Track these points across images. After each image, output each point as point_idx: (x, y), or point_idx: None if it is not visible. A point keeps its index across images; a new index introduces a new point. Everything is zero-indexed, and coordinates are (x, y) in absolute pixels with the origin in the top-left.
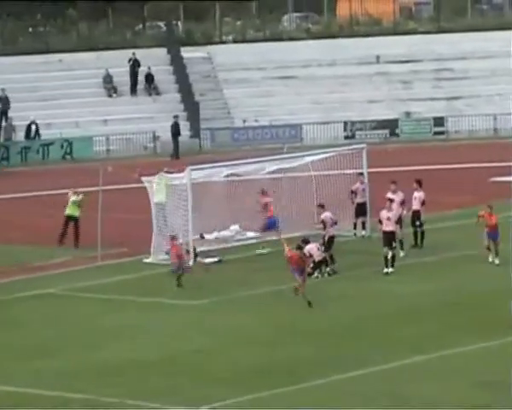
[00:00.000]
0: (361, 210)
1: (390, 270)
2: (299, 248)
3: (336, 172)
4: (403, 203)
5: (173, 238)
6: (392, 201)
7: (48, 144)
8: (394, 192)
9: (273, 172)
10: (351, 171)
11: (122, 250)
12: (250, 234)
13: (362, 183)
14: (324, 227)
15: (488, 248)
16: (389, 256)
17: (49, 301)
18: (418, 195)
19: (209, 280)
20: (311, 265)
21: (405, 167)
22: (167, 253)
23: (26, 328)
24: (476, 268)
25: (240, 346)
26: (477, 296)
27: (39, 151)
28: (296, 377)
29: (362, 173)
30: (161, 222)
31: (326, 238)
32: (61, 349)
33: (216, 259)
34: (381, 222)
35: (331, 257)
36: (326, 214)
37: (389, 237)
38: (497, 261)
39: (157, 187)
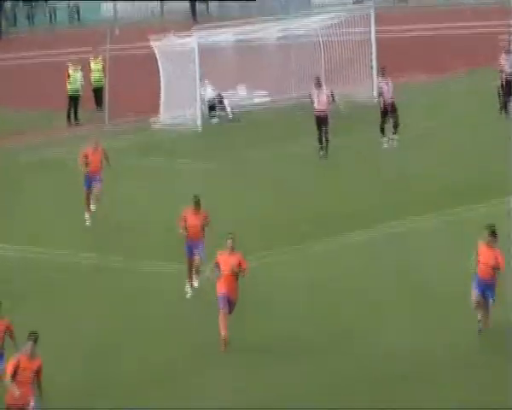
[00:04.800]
0: None
1: None
2: None
3: (343, 37)
4: None
5: None
6: None
7: (55, 7)
8: None
9: (281, 38)
10: (360, 30)
11: (129, 113)
12: (258, 95)
13: None
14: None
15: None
16: None
17: (54, 167)
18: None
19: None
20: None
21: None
22: None
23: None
24: None
25: None
26: None
27: (46, 15)
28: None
29: None
30: (169, 87)
31: None
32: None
33: (230, 116)
34: None
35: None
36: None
37: None
38: None
39: (72, 78)
